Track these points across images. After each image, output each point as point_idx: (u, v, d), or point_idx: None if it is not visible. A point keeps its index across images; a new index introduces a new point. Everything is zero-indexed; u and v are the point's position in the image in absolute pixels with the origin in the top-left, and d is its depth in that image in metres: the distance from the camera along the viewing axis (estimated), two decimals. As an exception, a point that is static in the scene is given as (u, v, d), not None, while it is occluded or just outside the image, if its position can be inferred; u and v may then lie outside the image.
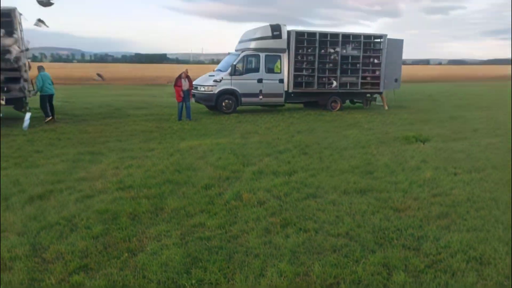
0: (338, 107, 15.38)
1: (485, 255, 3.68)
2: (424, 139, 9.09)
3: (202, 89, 14.15)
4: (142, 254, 3.78)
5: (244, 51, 14.60)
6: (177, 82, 12.57)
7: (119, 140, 9.31)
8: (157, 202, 5.15)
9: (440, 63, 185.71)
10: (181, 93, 12.47)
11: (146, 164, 7.07)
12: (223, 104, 14.16)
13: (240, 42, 15.50)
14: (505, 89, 26.43)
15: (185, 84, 12.48)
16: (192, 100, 13.78)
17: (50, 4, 3.56)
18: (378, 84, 15.78)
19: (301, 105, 16.40)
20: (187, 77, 12.59)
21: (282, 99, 15.02)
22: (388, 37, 15.65)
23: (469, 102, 19.32)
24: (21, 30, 11.17)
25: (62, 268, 3.49)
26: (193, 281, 3.31)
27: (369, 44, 15.65)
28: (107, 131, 10.55)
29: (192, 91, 14.03)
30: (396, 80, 16.33)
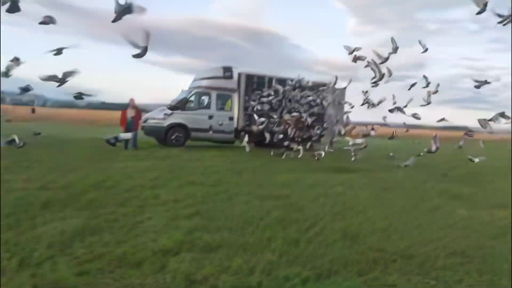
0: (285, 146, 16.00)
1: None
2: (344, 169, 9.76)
3: (152, 121, 14.53)
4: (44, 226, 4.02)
5: (197, 88, 15.29)
6: (122, 112, 12.91)
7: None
8: (79, 197, 5.42)
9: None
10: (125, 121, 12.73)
11: (86, 177, 7.21)
12: (173, 137, 14.52)
13: (194, 80, 16.22)
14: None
15: (130, 112, 12.76)
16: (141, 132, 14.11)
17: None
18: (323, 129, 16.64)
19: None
20: (134, 107, 12.92)
21: (232, 136, 15.59)
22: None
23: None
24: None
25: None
26: (86, 243, 3.60)
27: (314, 91, 16.65)
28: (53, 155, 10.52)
29: (142, 124, 14.38)
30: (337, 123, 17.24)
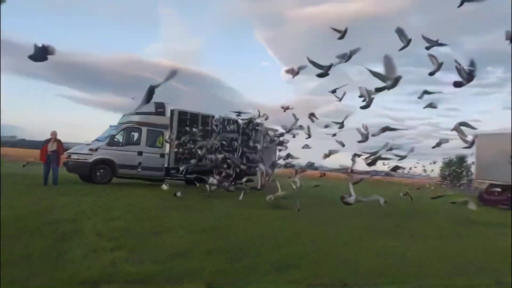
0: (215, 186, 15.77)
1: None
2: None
3: (76, 157, 13.61)
4: None
5: (127, 123, 14.76)
6: (43, 146, 12.00)
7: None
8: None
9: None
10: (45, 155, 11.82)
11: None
12: (98, 174, 13.68)
13: (124, 115, 15.67)
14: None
15: (51, 146, 11.86)
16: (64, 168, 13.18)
17: None
18: (255, 167, 16.79)
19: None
20: (56, 140, 12.04)
21: (162, 174, 15.06)
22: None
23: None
24: None
25: None
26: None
27: (248, 130, 16.91)
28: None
29: (66, 159, 13.49)
30: (272, 165, 17.56)
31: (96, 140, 14.55)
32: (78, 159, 13.58)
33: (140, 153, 14.50)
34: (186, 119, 15.74)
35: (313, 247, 5.33)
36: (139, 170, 14.44)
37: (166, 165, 15.07)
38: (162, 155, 15.05)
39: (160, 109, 15.11)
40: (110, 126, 15.45)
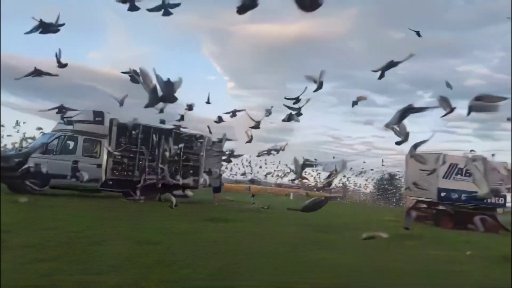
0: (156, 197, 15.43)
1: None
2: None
3: (4, 165, 12.68)
4: None
5: (62, 131, 14.06)
6: None
7: None
8: None
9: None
10: None
11: None
12: (27, 183, 12.81)
13: (59, 123, 14.87)
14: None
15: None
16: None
17: None
18: (198, 179, 16.64)
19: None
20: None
21: (98, 185, 14.46)
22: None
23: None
24: None
25: None
26: None
27: (191, 142, 16.75)
28: None
29: (-9, 167, 12.53)
30: (218, 177, 17.53)
31: (28, 148, 13.74)
32: (5, 167, 12.67)
33: (75, 163, 13.82)
34: (126, 129, 15.25)
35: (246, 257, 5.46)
36: (73, 180, 13.73)
37: (103, 176, 14.50)
38: (99, 166, 14.48)
39: (98, 117, 14.54)
40: (43, 134, 14.66)
